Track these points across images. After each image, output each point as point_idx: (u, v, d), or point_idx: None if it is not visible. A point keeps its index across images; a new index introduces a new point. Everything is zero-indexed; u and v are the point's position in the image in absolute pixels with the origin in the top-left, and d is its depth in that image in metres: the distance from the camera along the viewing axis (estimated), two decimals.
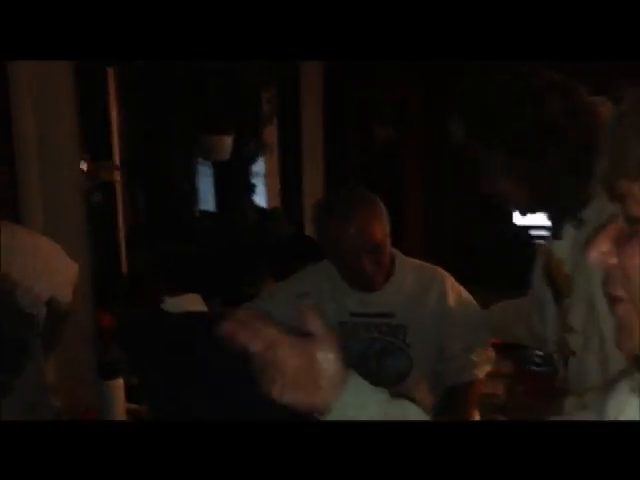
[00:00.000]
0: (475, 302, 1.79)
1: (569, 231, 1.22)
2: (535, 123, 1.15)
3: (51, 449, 0.96)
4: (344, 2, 1.17)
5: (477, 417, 1.74)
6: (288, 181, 4.24)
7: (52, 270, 1.77)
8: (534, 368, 1.22)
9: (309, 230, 3.99)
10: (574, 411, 1.01)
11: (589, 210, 1.17)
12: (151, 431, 1.00)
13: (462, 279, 1.83)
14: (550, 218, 1.27)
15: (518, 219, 4.51)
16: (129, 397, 1.76)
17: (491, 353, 1.80)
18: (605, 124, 0.68)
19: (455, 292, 1.76)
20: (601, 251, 0.60)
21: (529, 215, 1.29)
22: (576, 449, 0.79)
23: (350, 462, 0.91)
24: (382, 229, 1.65)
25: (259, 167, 4.32)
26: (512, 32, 1.19)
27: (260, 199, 4.27)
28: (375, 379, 1.69)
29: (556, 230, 1.25)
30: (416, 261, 1.82)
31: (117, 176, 3.08)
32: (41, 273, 1.71)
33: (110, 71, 3.08)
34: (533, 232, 4.39)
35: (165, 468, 0.93)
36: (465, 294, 1.78)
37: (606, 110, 1.15)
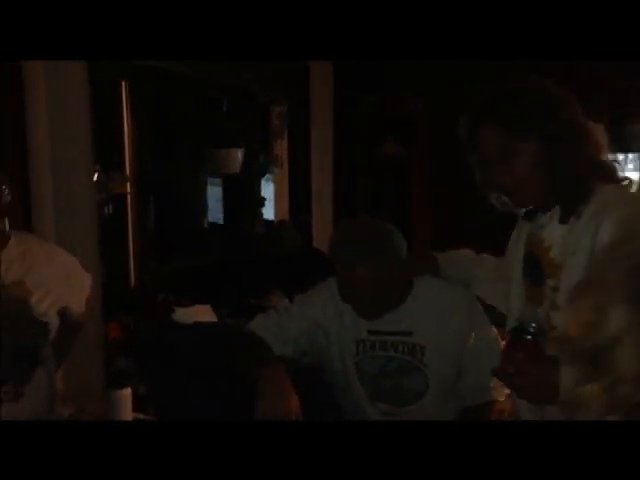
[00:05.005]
0: (494, 328, 1.76)
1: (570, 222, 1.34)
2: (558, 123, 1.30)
3: (55, 449, 0.97)
4: (347, 4, 1.19)
5: None
6: (297, 195, 4.25)
7: (66, 280, 1.77)
8: (527, 337, 1.27)
9: (317, 243, 4.00)
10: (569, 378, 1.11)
11: (589, 206, 1.30)
12: (155, 432, 1.01)
13: None
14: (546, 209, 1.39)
15: None
16: (137, 407, 1.76)
17: None
18: None
19: (473, 311, 1.74)
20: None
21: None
22: (577, 448, 0.79)
23: (350, 462, 0.91)
24: (382, 259, 1.64)
25: (269, 181, 4.34)
26: (513, 34, 1.21)
27: (269, 212, 4.29)
28: (392, 398, 1.69)
29: (560, 218, 1.36)
30: (434, 279, 1.79)
31: (128, 188, 3.10)
32: (55, 283, 1.72)
33: (123, 84, 3.11)
34: None
35: (168, 468, 0.93)
36: (482, 313, 1.76)
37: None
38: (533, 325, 1.31)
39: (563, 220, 1.35)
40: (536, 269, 1.39)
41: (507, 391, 1.78)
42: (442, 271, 1.77)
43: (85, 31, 1.20)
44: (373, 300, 1.67)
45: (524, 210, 1.45)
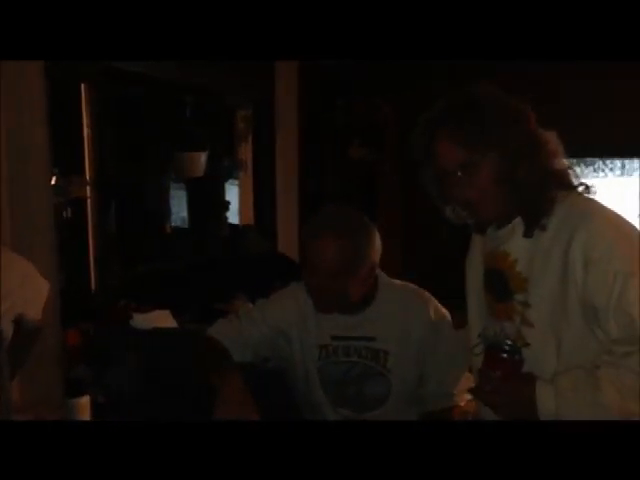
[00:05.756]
0: (455, 330, 1.75)
1: (534, 235, 1.33)
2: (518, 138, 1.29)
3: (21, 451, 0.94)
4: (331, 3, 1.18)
5: None
6: (262, 199, 4.23)
7: (22, 287, 1.73)
8: (504, 355, 1.28)
9: (282, 248, 3.99)
10: (545, 394, 1.20)
11: (552, 218, 1.30)
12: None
13: (441, 294, 1.81)
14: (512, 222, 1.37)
15: None
16: (95, 415, 1.72)
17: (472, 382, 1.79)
18: None
19: (438, 317, 1.73)
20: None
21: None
22: (571, 448, 0.80)
23: (349, 462, 0.90)
24: (349, 258, 1.59)
25: (233, 184, 4.32)
26: (505, 33, 1.21)
27: (233, 217, 4.26)
28: (354, 403, 1.69)
29: (524, 231, 1.34)
30: (400, 283, 1.78)
31: (88, 192, 3.04)
32: (10, 289, 1.67)
33: (83, 86, 3.06)
34: None
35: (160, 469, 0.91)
36: (447, 320, 1.75)
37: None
38: (508, 342, 1.32)
39: (527, 233, 1.33)
40: (501, 284, 1.37)
41: (469, 396, 1.79)
42: None
43: (44, 30, 1.17)
44: (336, 289, 1.61)
45: (475, 223, 1.43)
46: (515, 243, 1.34)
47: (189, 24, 1.19)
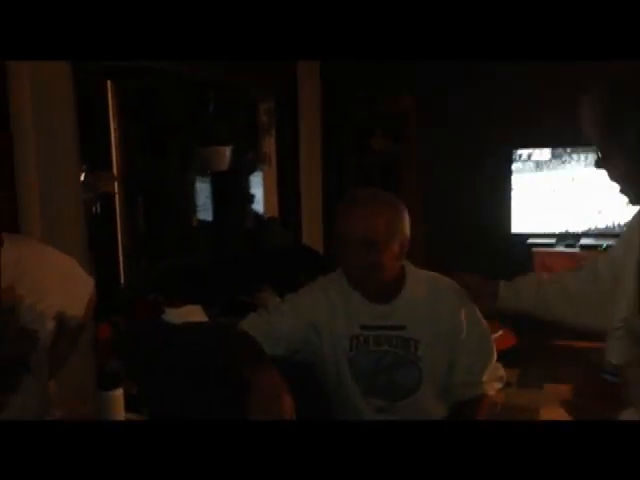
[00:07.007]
0: (484, 320, 1.76)
1: None
2: None
3: (49, 450, 0.96)
4: (341, 3, 1.18)
5: None
6: (286, 191, 4.24)
7: (63, 284, 1.71)
8: (606, 376, 1.23)
9: (306, 240, 4.00)
10: None
11: None
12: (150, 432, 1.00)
13: None
14: None
15: (516, 228, 4.52)
16: (129, 406, 1.75)
17: (502, 372, 1.79)
18: None
19: (467, 308, 1.73)
20: None
21: None
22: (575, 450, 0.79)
23: (349, 462, 0.91)
24: (383, 228, 1.61)
25: (257, 178, 4.34)
26: (506, 33, 1.20)
27: (258, 209, 4.28)
28: (385, 392, 1.69)
29: None
30: (430, 273, 1.79)
31: (116, 188, 3.08)
32: (51, 287, 1.66)
33: (109, 84, 3.10)
34: (530, 241, 4.40)
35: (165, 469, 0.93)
36: (477, 311, 1.75)
37: None
38: (612, 364, 1.26)
39: None
40: None
41: (498, 385, 1.79)
42: (502, 300, 1.69)
43: (70, 31, 1.19)
44: (370, 262, 1.62)
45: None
46: None
47: (194, 24, 1.20)
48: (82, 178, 2.61)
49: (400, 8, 1.20)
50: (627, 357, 1.31)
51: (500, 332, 3.51)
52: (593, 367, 1.32)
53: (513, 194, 4.51)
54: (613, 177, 1.23)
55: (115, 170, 3.12)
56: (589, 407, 1.25)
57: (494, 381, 1.77)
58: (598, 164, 1.23)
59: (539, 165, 4.42)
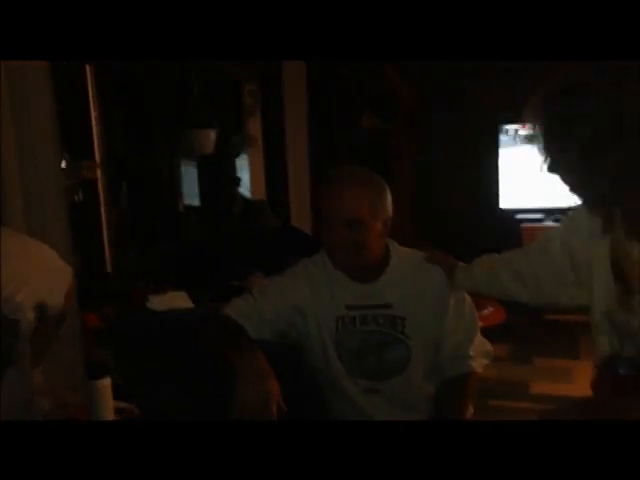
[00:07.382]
0: (469, 298, 1.76)
1: None
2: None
3: (43, 449, 0.95)
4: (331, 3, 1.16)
5: (471, 409, 1.74)
6: (273, 174, 4.22)
7: (42, 274, 1.71)
8: (620, 371, 1.25)
9: (295, 221, 3.98)
10: None
11: None
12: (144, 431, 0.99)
13: None
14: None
15: (503, 203, 4.52)
16: (118, 395, 1.74)
17: (489, 347, 1.80)
18: None
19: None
20: None
21: None
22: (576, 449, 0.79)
23: (348, 462, 0.90)
24: (367, 206, 1.61)
25: (243, 160, 4.30)
26: (505, 32, 1.18)
27: (245, 192, 4.25)
28: (373, 372, 1.69)
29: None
30: (413, 250, 1.79)
31: (98, 174, 3.04)
32: (30, 277, 1.66)
33: (89, 69, 3.04)
34: (518, 216, 4.41)
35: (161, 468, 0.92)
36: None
37: None
38: (624, 357, 1.25)
39: None
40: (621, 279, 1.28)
41: (485, 361, 1.79)
42: (458, 282, 1.71)
43: (54, 31, 1.16)
44: (353, 240, 1.62)
45: None
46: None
47: (182, 24, 1.18)
48: (63, 165, 2.57)
49: (387, 8, 1.18)
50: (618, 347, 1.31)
51: (490, 308, 3.53)
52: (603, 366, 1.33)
53: (501, 170, 4.51)
54: (566, 181, 1.23)
55: (97, 156, 3.08)
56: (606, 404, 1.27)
57: (482, 356, 1.77)
58: (550, 169, 1.24)
59: (526, 140, 4.41)
